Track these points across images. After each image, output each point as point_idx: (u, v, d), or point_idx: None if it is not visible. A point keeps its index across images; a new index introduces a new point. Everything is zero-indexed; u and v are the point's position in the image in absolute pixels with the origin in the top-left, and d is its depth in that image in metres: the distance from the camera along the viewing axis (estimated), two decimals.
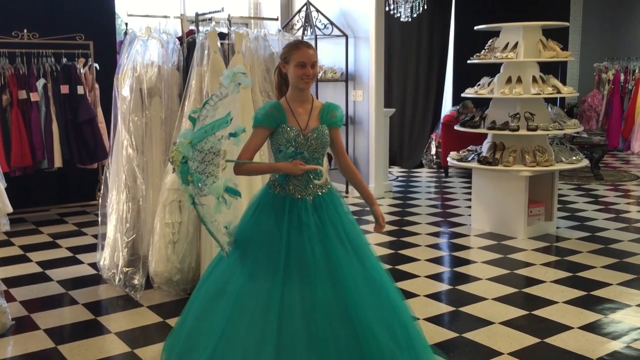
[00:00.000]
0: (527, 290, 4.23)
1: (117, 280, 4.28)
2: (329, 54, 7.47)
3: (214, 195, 2.44)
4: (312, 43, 7.23)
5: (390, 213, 6.48)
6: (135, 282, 4.19)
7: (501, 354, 3.30)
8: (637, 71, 11.07)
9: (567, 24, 5.93)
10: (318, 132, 2.67)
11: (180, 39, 4.58)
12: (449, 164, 6.12)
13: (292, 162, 2.60)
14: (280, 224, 2.59)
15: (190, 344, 2.59)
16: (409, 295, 4.12)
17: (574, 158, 5.65)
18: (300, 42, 2.73)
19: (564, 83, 7.63)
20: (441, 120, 8.81)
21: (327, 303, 2.48)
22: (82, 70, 6.18)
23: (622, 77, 11.23)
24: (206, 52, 4.20)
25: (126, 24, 5.06)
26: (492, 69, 5.85)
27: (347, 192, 7.43)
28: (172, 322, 3.62)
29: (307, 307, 2.46)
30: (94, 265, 4.72)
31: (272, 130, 2.65)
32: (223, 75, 2.54)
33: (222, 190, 2.43)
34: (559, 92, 5.52)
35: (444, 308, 3.96)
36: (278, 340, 2.42)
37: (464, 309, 3.91)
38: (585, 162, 5.77)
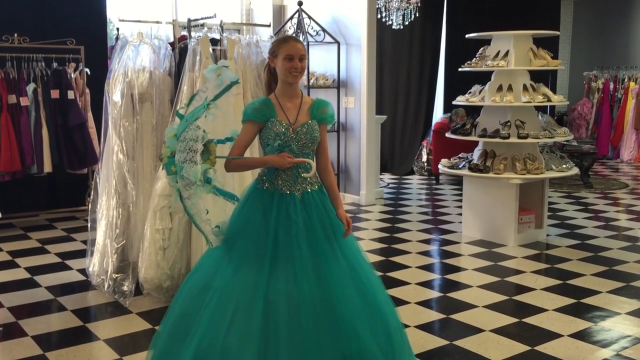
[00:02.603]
0: (517, 297, 4.24)
1: (106, 287, 4.25)
2: (321, 61, 7.48)
3: (192, 179, 2.43)
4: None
5: (381, 220, 6.48)
6: (125, 288, 4.16)
7: None
8: (626, 80, 11.17)
9: (557, 33, 5.97)
10: (308, 127, 2.67)
11: (172, 44, 4.57)
12: (440, 171, 6.13)
13: (279, 154, 2.60)
14: (268, 220, 2.58)
15: (174, 339, 2.57)
16: (399, 302, 4.11)
17: (564, 166, 5.68)
18: (289, 37, 2.74)
19: (554, 91, 7.70)
20: (432, 127, 8.84)
21: (312, 300, 2.47)
22: (72, 75, 6.16)
23: (611, 86, 11.34)
24: (198, 57, 4.20)
25: (118, 29, 5.05)
26: (483, 77, 5.88)
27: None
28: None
29: (292, 304, 2.46)
30: (83, 271, 4.68)
31: (261, 125, 2.64)
32: (207, 69, 2.55)
33: (200, 174, 2.43)
34: (549, 100, 5.56)
35: (434, 315, 3.96)
36: (262, 336, 2.41)
37: (454, 316, 3.91)
38: (575, 170, 5.80)
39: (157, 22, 4.68)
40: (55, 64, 6.06)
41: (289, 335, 2.42)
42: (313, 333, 2.45)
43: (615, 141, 11.15)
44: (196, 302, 2.54)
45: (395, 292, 4.31)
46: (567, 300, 4.16)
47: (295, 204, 2.61)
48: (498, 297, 4.22)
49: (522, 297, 4.23)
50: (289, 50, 2.62)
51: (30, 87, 5.88)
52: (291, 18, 7.49)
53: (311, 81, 7.30)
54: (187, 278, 2.78)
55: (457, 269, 4.89)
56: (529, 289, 4.38)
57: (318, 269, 2.54)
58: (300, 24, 7.29)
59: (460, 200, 6.24)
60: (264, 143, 2.67)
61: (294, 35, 7.27)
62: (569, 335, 3.61)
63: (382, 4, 7.69)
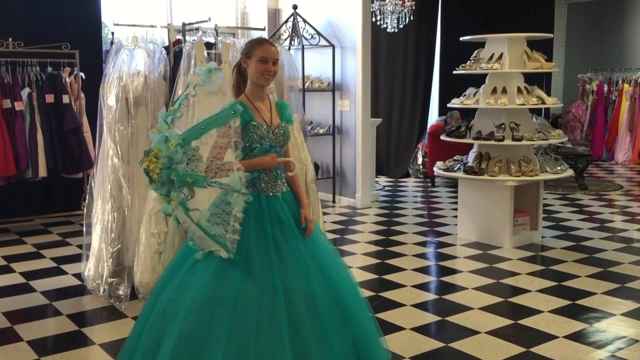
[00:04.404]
0: (512, 299, 4.25)
1: (101, 291, 4.24)
2: (316, 64, 7.50)
3: (234, 187, 2.38)
4: (299, 53, 7.26)
5: (377, 223, 6.49)
6: (120, 292, 4.16)
7: None
8: (620, 82, 11.22)
9: (551, 35, 6.01)
10: (283, 128, 2.70)
11: (167, 48, 4.57)
12: (435, 173, 6.14)
13: (270, 155, 2.61)
14: (262, 222, 2.58)
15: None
16: (395, 305, 4.12)
17: (558, 168, 5.69)
18: (263, 39, 2.74)
19: (548, 94, 7.70)
20: (427, 130, 8.85)
21: (323, 294, 2.52)
22: (67, 79, 6.15)
23: (605, 88, 11.38)
24: (193, 61, 4.20)
25: (112, 33, 5.06)
26: (477, 80, 5.90)
27: (333, 202, 7.44)
28: None
29: (309, 299, 2.49)
30: (78, 275, 4.67)
31: (241, 128, 2.61)
32: (202, 68, 2.55)
33: (241, 181, 2.38)
34: (543, 102, 5.58)
35: (430, 318, 3.97)
36: (291, 334, 2.40)
37: (450, 318, 3.91)
38: (570, 172, 5.82)
39: (152, 26, 4.69)
40: (50, 69, 6.06)
41: (313, 330, 2.46)
42: (331, 325, 2.49)
43: (610, 143, 11.19)
44: (203, 318, 2.42)
45: (390, 294, 4.31)
46: (563, 302, 4.17)
47: (282, 204, 2.65)
48: (493, 299, 4.23)
49: (518, 299, 4.24)
50: (263, 52, 2.62)
51: (25, 92, 5.87)
52: (286, 22, 7.50)
53: (306, 84, 7.31)
54: (154, 296, 2.63)
55: (452, 271, 4.90)
56: (525, 291, 4.39)
57: (318, 266, 2.59)
58: (295, 28, 7.31)
59: (456, 203, 6.26)
60: (247, 147, 2.61)
61: (289, 39, 7.28)
62: (564, 337, 3.62)
63: (376, 7, 7.71)
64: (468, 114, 6.40)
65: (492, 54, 5.59)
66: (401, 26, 7.95)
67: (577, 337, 3.63)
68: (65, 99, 6.03)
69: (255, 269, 2.49)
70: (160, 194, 2.46)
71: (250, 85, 2.69)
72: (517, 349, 3.46)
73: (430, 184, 8.65)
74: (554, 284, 4.55)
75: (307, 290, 2.50)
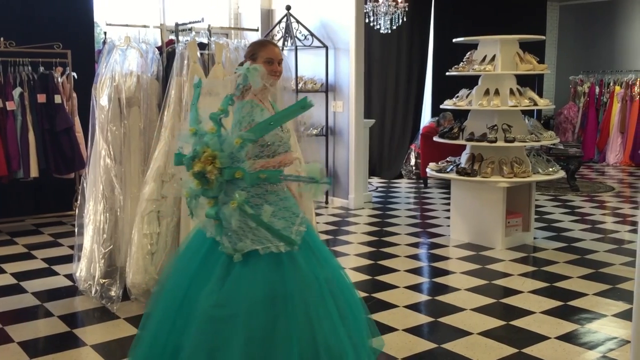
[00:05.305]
0: (505, 300, 4.26)
1: (93, 292, 4.22)
2: (309, 65, 7.50)
3: (318, 179, 2.41)
4: (293, 54, 7.26)
5: (370, 224, 6.50)
6: (112, 293, 4.14)
7: None
8: (611, 84, 11.28)
9: (543, 37, 6.04)
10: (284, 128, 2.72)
11: (159, 48, 4.56)
12: (428, 174, 6.16)
13: (288, 153, 2.65)
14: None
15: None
16: (388, 306, 4.13)
17: (550, 169, 5.72)
18: (266, 41, 2.80)
19: (540, 95, 7.74)
20: (420, 131, 8.87)
21: (335, 280, 2.62)
22: (59, 79, 6.12)
23: (597, 90, 11.44)
24: (186, 62, 4.19)
25: (105, 33, 5.04)
26: (470, 81, 5.92)
27: (326, 202, 7.44)
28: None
29: (337, 291, 2.57)
30: (70, 276, 4.65)
31: None
32: (240, 71, 2.53)
33: (319, 171, 2.42)
34: (535, 104, 5.60)
35: (422, 319, 3.97)
36: (345, 330, 2.50)
37: (442, 319, 3.92)
38: (562, 174, 5.84)
39: (145, 26, 4.68)
40: (42, 68, 6.03)
41: (346, 314, 2.53)
42: (350, 310, 2.58)
43: (601, 144, 11.25)
44: (267, 318, 2.41)
45: (383, 295, 4.32)
46: (554, 303, 4.19)
47: None
48: (486, 300, 4.24)
49: (510, 300, 4.26)
50: (268, 54, 2.66)
51: (16, 92, 5.84)
52: (279, 22, 7.50)
53: (299, 85, 7.31)
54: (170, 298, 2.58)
55: (445, 272, 4.91)
56: (517, 292, 4.41)
57: (317, 253, 2.64)
58: (288, 28, 7.30)
59: (448, 204, 6.27)
60: (272, 148, 2.57)
61: (282, 39, 7.28)
62: (555, 338, 3.64)
63: (369, 9, 7.73)
64: (461, 115, 6.42)
65: (485, 56, 5.61)
66: (394, 27, 7.97)
67: (569, 338, 3.65)
68: (57, 99, 6.00)
69: (299, 263, 2.51)
70: (208, 196, 2.41)
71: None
72: (509, 350, 3.47)
73: (423, 185, 8.67)
74: (545, 285, 4.56)
75: (333, 279, 2.61)
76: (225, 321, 2.39)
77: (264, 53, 2.66)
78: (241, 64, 2.74)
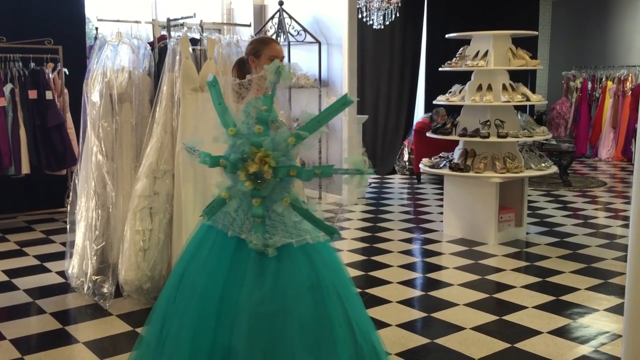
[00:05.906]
0: (497, 295, 4.28)
1: (85, 289, 4.21)
2: (302, 61, 7.47)
3: (363, 169, 2.43)
4: (286, 50, 7.24)
5: (363, 219, 6.50)
6: (105, 290, 4.13)
7: (472, 359, 3.32)
8: (604, 79, 11.32)
9: (536, 33, 6.04)
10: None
11: (151, 44, 4.54)
12: (421, 170, 6.16)
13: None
14: None
15: None
16: (381, 301, 4.13)
17: (543, 165, 5.74)
18: (268, 38, 2.84)
19: (533, 91, 7.78)
20: (413, 127, 8.88)
21: (338, 282, 2.61)
22: (50, 75, 6.08)
23: (589, 85, 11.48)
24: (178, 57, 4.17)
25: (96, 28, 5.00)
26: (463, 77, 5.92)
27: (320, 198, 7.44)
28: (142, 331, 3.56)
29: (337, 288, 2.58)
30: (62, 273, 4.63)
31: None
32: (270, 69, 2.49)
33: (364, 163, 2.45)
34: (528, 99, 5.61)
35: (415, 314, 3.98)
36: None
37: (435, 314, 3.93)
38: (554, 169, 5.86)
39: (137, 22, 4.65)
40: (32, 64, 5.99)
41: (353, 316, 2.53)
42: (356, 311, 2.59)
43: (594, 140, 11.30)
44: (316, 306, 2.44)
45: (376, 291, 4.32)
46: (547, 298, 4.21)
47: None
48: (478, 295, 4.25)
49: (502, 295, 4.27)
50: (272, 51, 2.74)
51: (7, 88, 5.80)
52: (272, 18, 7.48)
53: (293, 81, 7.28)
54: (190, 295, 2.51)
55: (438, 268, 4.92)
56: (509, 287, 4.42)
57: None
58: (281, 24, 7.29)
59: (441, 199, 6.28)
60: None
61: (275, 35, 7.26)
62: (548, 332, 3.65)
63: (362, 4, 7.71)
64: (454, 111, 6.42)
65: (478, 51, 5.62)
66: (387, 23, 7.96)
67: (561, 332, 3.66)
68: (49, 95, 5.97)
69: (319, 250, 2.54)
70: (259, 196, 2.42)
71: (259, 83, 2.70)
72: (501, 345, 3.49)
73: (416, 181, 8.68)
74: (538, 279, 4.58)
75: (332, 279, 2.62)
76: (275, 316, 2.40)
77: (267, 51, 2.71)
78: (242, 61, 2.75)
